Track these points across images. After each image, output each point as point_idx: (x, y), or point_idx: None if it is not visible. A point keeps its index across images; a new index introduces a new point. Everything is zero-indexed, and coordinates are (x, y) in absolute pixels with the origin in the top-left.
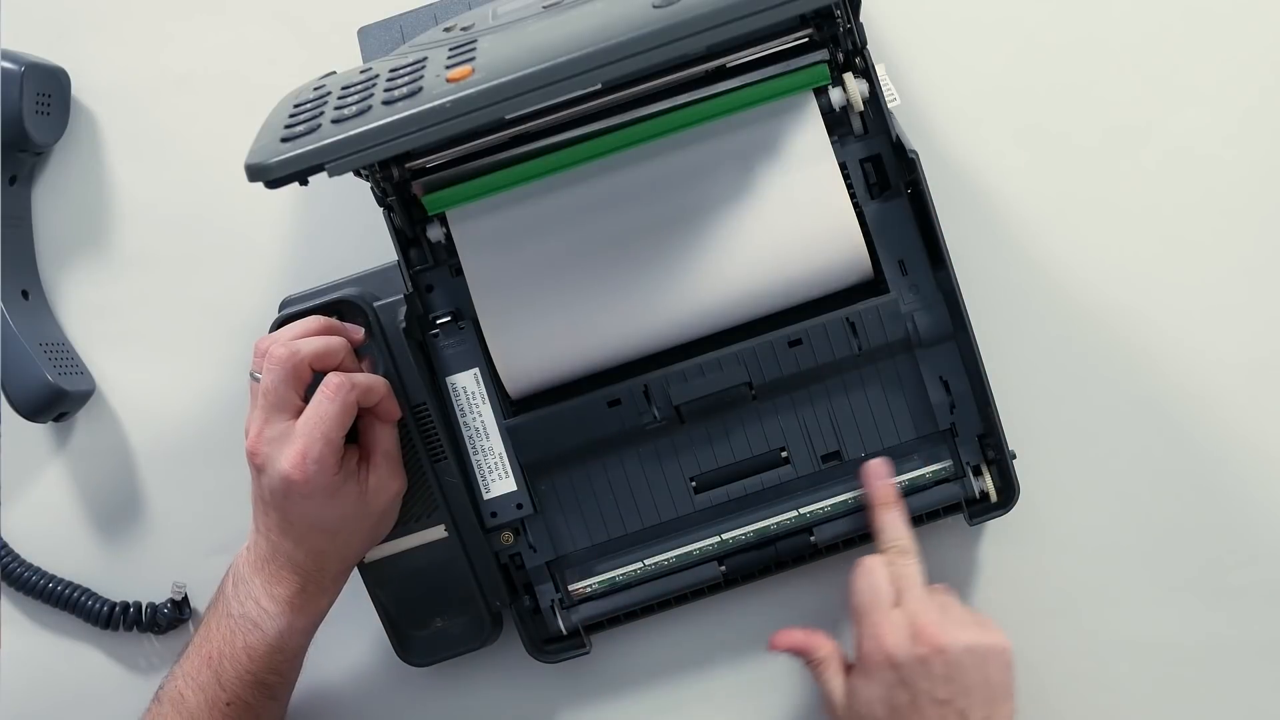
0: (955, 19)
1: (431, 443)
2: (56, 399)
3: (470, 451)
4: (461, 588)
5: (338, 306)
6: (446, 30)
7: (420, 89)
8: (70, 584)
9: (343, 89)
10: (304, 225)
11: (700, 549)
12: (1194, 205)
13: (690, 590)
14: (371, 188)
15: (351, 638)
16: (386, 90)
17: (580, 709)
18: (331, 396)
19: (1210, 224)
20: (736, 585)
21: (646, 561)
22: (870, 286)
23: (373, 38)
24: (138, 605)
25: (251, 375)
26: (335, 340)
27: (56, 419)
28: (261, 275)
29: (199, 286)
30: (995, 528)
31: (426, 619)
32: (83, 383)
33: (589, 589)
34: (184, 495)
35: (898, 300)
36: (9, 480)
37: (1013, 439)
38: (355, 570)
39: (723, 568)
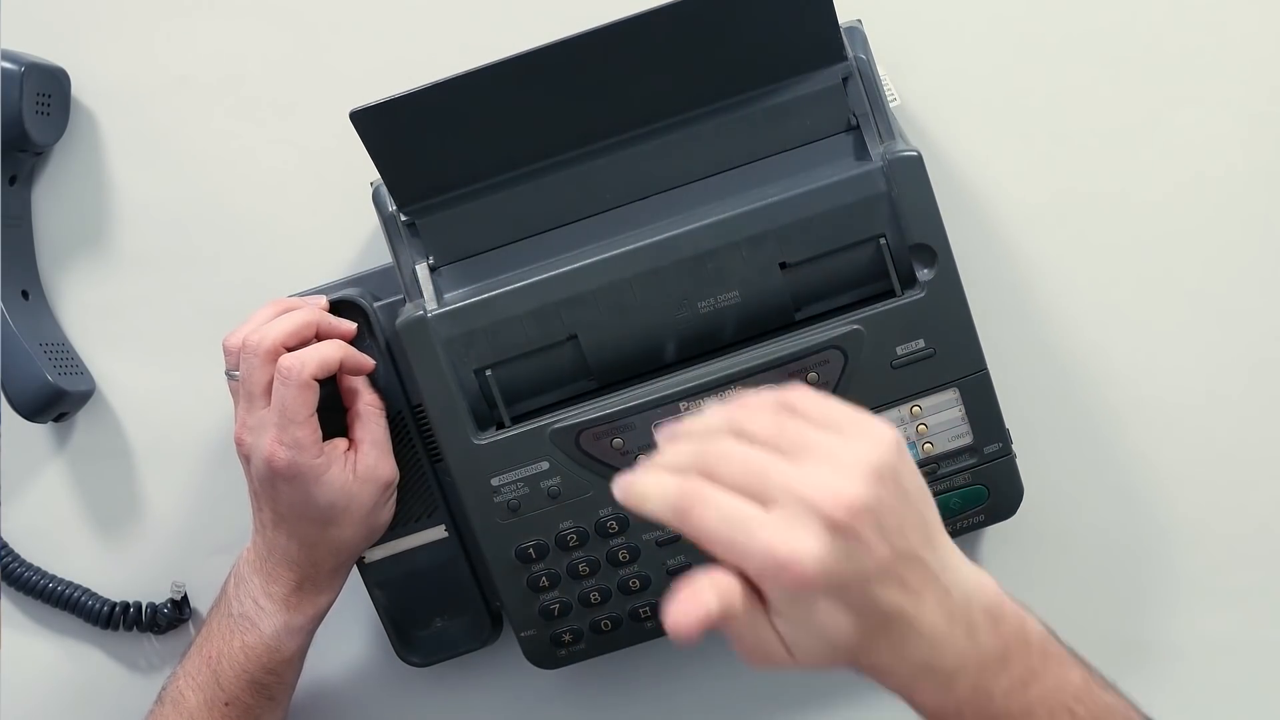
0: (955, 20)
1: (431, 443)
2: (56, 399)
3: None
4: (461, 588)
5: (338, 307)
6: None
7: (649, 580)
8: (70, 584)
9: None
10: (304, 225)
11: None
12: (1196, 205)
13: None
14: None
15: (351, 638)
16: (621, 576)
17: (580, 709)
18: (285, 380)
19: (1213, 223)
20: None
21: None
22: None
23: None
24: (138, 605)
25: (228, 374)
26: (299, 314)
27: (56, 419)
28: (261, 275)
29: (199, 286)
30: (995, 528)
31: (426, 619)
32: (83, 383)
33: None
34: (184, 495)
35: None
36: (9, 480)
37: (1013, 439)
38: (355, 570)
39: None
